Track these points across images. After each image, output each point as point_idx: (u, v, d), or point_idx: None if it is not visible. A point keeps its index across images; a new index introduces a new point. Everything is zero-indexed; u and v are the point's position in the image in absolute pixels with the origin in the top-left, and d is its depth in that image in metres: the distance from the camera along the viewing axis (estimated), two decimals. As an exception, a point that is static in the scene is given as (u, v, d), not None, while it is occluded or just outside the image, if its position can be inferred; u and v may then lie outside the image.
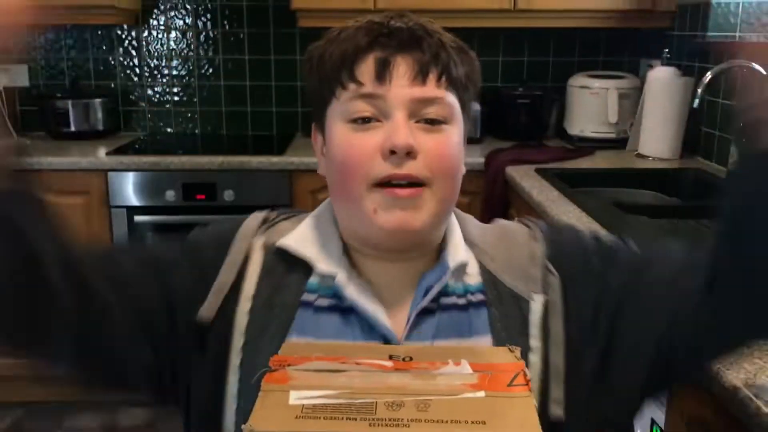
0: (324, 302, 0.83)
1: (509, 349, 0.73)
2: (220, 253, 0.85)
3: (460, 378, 0.66)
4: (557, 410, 0.79)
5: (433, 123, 0.80)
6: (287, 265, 0.85)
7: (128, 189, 2.61)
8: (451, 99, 0.82)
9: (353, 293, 0.82)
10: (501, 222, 0.94)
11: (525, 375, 0.67)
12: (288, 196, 2.62)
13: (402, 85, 0.79)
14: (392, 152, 0.77)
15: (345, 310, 0.82)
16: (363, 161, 0.79)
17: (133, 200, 2.62)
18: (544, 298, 0.82)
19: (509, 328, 0.81)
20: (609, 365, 0.82)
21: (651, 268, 0.84)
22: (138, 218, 2.60)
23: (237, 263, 0.84)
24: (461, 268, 0.85)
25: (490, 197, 2.48)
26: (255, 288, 0.83)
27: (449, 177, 0.81)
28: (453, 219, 0.91)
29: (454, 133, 0.82)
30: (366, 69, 0.79)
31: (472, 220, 0.94)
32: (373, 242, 0.83)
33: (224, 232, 0.88)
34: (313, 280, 0.85)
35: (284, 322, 0.82)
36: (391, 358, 0.70)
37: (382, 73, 0.79)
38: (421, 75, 0.79)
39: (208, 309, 0.81)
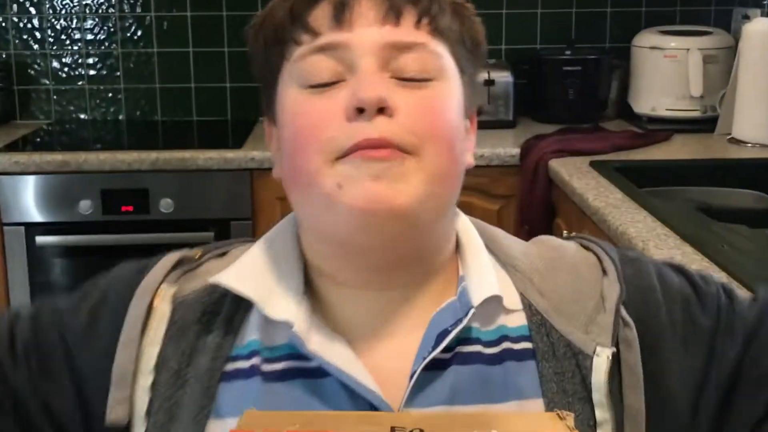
0: (277, 366, 0.82)
1: (558, 415, 0.72)
2: (117, 318, 0.85)
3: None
4: None
5: (414, 80, 0.80)
6: (208, 321, 0.84)
7: (26, 199, 2.61)
8: (439, 48, 0.82)
9: (319, 347, 0.80)
10: (550, 241, 0.93)
11: (579, 452, 0.66)
12: (248, 204, 2.63)
13: (368, 25, 0.79)
14: (359, 110, 0.76)
15: (311, 372, 0.80)
16: (319, 128, 0.78)
17: (34, 215, 2.62)
18: (612, 354, 0.80)
19: (567, 391, 0.80)
20: None
21: (762, 329, 0.84)
22: (41, 239, 2.61)
23: (136, 331, 0.84)
24: (495, 304, 0.84)
25: (529, 202, 2.48)
26: (157, 356, 0.83)
27: (443, 143, 0.80)
28: (469, 229, 0.90)
29: (446, 90, 0.82)
30: (321, 14, 0.80)
31: (506, 236, 0.93)
32: (341, 239, 0.81)
33: (123, 287, 0.88)
34: (254, 336, 0.83)
35: (201, 400, 0.81)
36: (393, 431, 0.70)
37: (341, 14, 0.79)
38: (392, 13, 0.80)
39: (116, 408, 0.81)
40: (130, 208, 2.62)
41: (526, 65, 3.01)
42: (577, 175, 2.25)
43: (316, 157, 0.77)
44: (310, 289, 0.85)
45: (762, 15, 2.63)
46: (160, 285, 0.86)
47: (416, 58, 0.80)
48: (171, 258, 0.90)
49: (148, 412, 0.81)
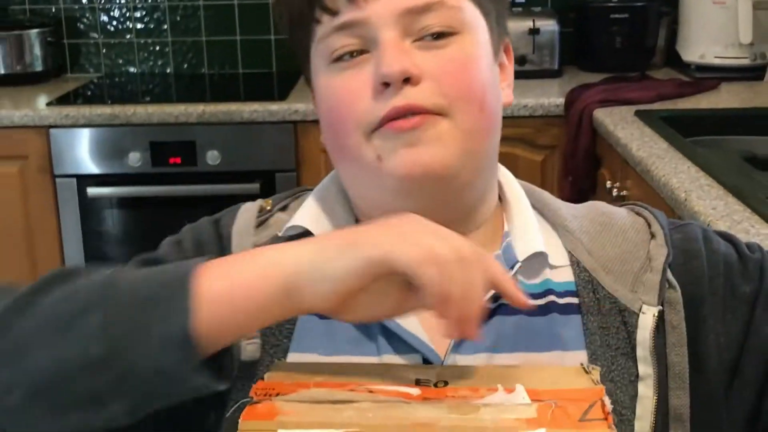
0: None
1: (584, 368, 0.72)
2: None
3: (512, 411, 0.65)
4: None
5: (437, 38, 0.80)
6: None
7: (78, 152, 2.64)
8: (458, 2, 0.81)
9: None
10: (600, 206, 0.93)
11: (604, 406, 0.66)
12: (293, 156, 2.63)
13: (383, 1, 0.78)
14: (385, 84, 0.77)
15: None
16: (351, 105, 0.79)
17: (85, 167, 2.65)
18: (659, 312, 0.81)
19: (611, 345, 0.81)
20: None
21: None
22: (92, 191, 2.64)
23: None
24: (540, 259, 0.84)
25: (573, 152, 2.46)
26: None
27: (474, 100, 0.80)
28: (512, 182, 0.91)
29: (473, 44, 0.81)
30: None
31: (554, 198, 0.93)
32: (389, 206, 0.81)
33: (206, 242, 0.89)
34: None
35: (280, 339, 0.83)
36: (418, 383, 0.70)
37: None
38: None
39: (247, 347, 0.83)
40: (178, 160, 2.64)
41: (572, 13, 2.96)
42: (621, 125, 2.23)
43: (353, 132, 0.79)
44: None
45: (815, -41, 2.55)
46: (255, 232, 0.88)
47: (436, 16, 0.79)
48: (251, 208, 0.92)
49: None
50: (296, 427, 0.64)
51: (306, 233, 0.85)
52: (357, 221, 0.87)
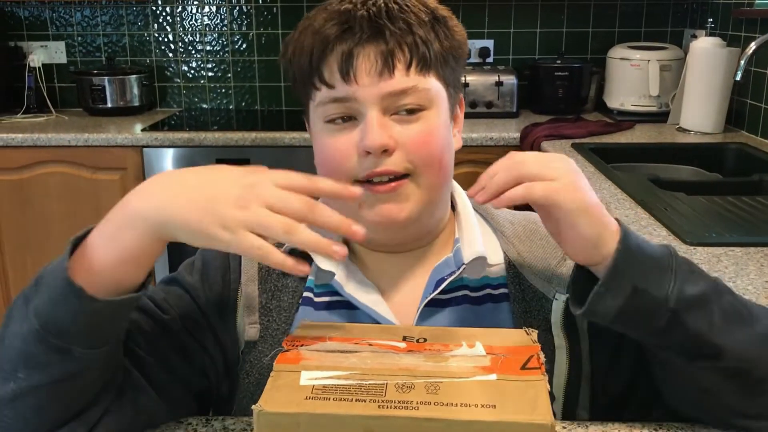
0: (325, 299, 0.83)
1: (525, 331, 0.72)
2: (224, 271, 0.85)
3: (472, 360, 0.66)
4: (583, 414, 0.80)
5: (410, 112, 0.78)
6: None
7: (164, 165, 2.64)
8: (428, 83, 0.79)
9: (353, 290, 0.82)
10: (533, 217, 0.91)
11: (539, 358, 0.66)
12: (321, 171, 2.62)
13: (369, 83, 0.77)
14: (368, 152, 0.77)
15: (348, 305, 0.82)
16: (341, 162, 0.78)
17: (168, 176, 2.64)
18: (567, 298, 0.80)
19: (532, 325, 0.80)
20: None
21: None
22: (173, 194, 2.62)
23: (254, 270, 0.85)
24: (481, 261, 0.83)
25: (525, 173, 2.45)
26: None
27: (433, 164, 0.79)
28: (461, 194, 0.89)
29: (436, 116, 0.80)
30: (334, 66, 0.78)
31: (499, 210, 0.91)
32: (367, 237, 0.83)
33: (210, 263, 0.86)
34: (310, 276, 0.85)
35: (284, 327, 0.83)
36: (404, 339, 0.70)
37: (347, 71, 0.77)
38: (387, 67, 0.76)
39: (250, 329, 0.83)
40: (237, 173, 2.63)
41: (527, 71, 2.95)
42: (561, 154, 2.22)
43: (340, 180, 0.76)
44: (350, 247, 0.86)
45: (706, 35, 2.54)
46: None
47: (410, 97, 0.78)
48: None
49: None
50: (315, 369, 0.65)
51: (302, 252, 0.82)
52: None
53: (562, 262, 0.84)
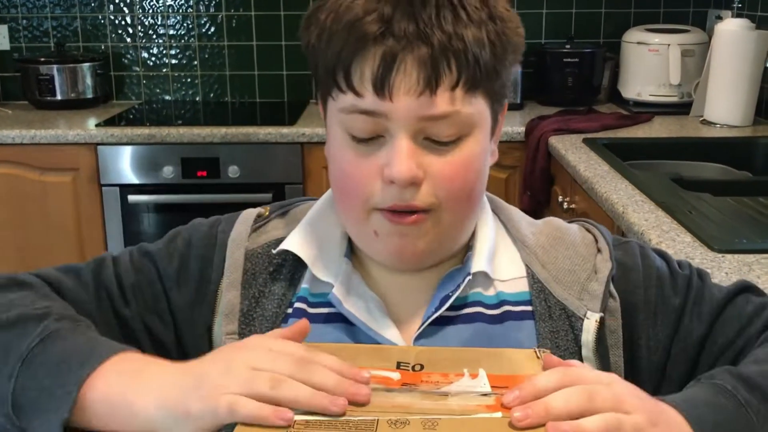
0: (323, 311, 0.82)
1: (536, 353, 0.71)
2: (203, 265, 0.87)
3: (474, 397, 0.64)
4: None
5: (445, 143, 0.75)
6: (274, 271, 0.85)
7: (121, 165, 2.63)
8: (472, 107, 0.75)
9: (352, 305, 0.81)
10: (556, 222, 0.90)
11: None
12: (300, 172, 2.63)
13: (406, 103, 0.72)
14: (392, 181, 0.74)
15: (346, 318, 0.81)
16: (363, 185, 0.76)
17: (127, 177, 2.64)
18: (601, 318, 0.80)
19: (560, 346, 0.80)
20: None
21: (726, 312, 0.83)
22: (132, 198, 2.63)
23: (238, 275, 0.85)
24: (484, 275, 0.83)
25: (531, 172, 2.46)
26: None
27: (462, 198, 0.77)
28: (485, 217, 0.88)
29: (474, 143, 0.77)
30: (367, 72, 0.73)
31: (520, 216, 0.90)
32: (375, 259, 0.83)
33: (203, 238, 0.89)
34: (305, 285, 0.84)
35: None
36: (399, 367, 0.69)
37: (382, 84, 0.72)
38: (429, 87, 0.72)
39: (227, 339, 0.83)
40: (204, 173, 2.63)
41: (533, 57, 2.96)
42: (571, 150, 2.23)
43: (358, 205, 0.78)
44: (351, 256, 0.85)
45: (732, 16, 2.56)
46: (248, 238, 0.87)
47: (448, 125, 0.74)
48: (251, 214, 0.90)
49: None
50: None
51: (296, 257, 0.84)
52: (350, 241, 0.85)
53: (593, 276, 0.83)
